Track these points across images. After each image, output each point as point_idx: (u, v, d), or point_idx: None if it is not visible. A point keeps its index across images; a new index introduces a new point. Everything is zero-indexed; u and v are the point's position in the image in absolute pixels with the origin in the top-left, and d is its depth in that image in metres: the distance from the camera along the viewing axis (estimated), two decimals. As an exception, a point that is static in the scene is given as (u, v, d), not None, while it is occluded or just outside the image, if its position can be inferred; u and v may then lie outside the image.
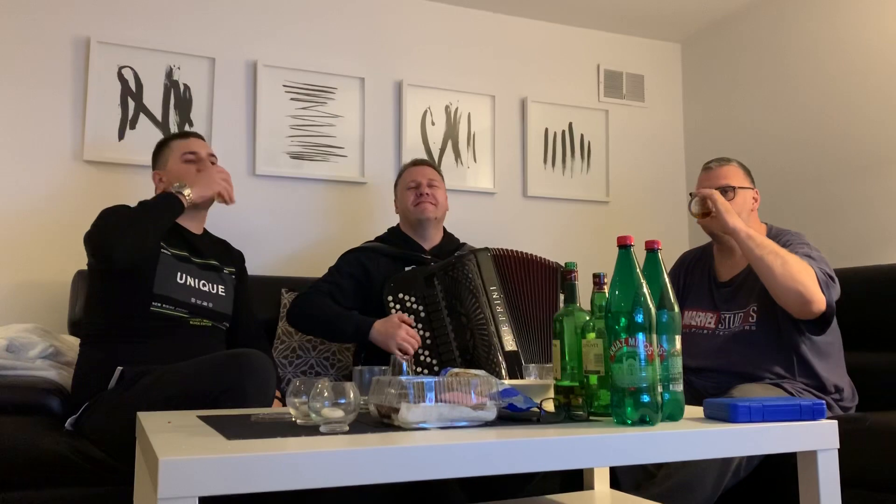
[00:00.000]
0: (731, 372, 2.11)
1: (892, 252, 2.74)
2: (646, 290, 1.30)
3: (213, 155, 2.24)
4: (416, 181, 2.50)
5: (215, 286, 2.14)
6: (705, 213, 2.19)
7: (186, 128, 2.86)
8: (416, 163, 2.62)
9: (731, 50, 3.51)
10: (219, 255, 2.24)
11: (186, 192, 2.04)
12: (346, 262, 2.44)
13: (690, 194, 2.28)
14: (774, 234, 2.23)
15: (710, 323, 2.24)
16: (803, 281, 1.98)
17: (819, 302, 1.99)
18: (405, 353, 2.14)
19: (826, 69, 3.05)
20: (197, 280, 2.09)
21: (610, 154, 3.57)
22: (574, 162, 3.51)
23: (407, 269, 2.37)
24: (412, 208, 2.47)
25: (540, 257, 2.38)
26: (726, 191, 2.24)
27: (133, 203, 2.06)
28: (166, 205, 2.03)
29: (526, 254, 2.38)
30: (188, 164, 2.17)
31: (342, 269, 2.42)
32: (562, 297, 2.31)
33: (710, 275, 2.33)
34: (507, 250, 2.37)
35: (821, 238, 2.99)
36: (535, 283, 2.33)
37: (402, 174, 2.60)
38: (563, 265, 1.49)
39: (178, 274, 2.05)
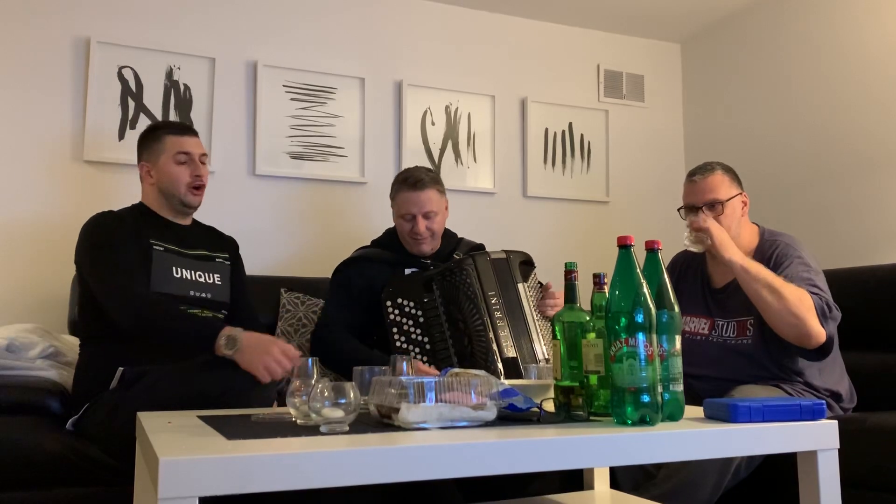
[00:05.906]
0: (728, 378, 2.09)
1: (891, 252, 2.74)
2: (646, 290, 1.30)
3: (204, 155, 2.14)
4: (410, 214, 2.31)
5: (211, 275, 2.12)
6: (703, 248, 2.11)
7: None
8: (410, 185, 2.32)
9: (731, 50, 3.50)
10: (210, 243, 2.20)
11: (230, 352, 1.72)
12: (341, 284, 2.35)
13: (679, 209, 2.24)
14: (766, 240, 2.19)
15: (703, 329, 2.22)
16: (800, 315, 1.95)
17: (818, 335, 1.97)
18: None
19: (825, 69, 3.05)
20: (193, 272, 2.07)
21: (610, 154, 3.57)
22: (574, 162, 3.51)
23: (407, 271, 2.33)
24: (409, 239, 2.36)
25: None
26: (714, 206, 2.17)
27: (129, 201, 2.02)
28: (197, 341, 1.79)
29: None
30: (181, 167, 2.07)
31: (341, 295, 2.32)
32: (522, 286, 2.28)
33: (703, 279, 2.29)
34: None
35: (820, 238, 2.99)
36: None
37: (395, 195, 2.37)
38: (564, 265, 1.48)
39: (174, 269, 2.02)
